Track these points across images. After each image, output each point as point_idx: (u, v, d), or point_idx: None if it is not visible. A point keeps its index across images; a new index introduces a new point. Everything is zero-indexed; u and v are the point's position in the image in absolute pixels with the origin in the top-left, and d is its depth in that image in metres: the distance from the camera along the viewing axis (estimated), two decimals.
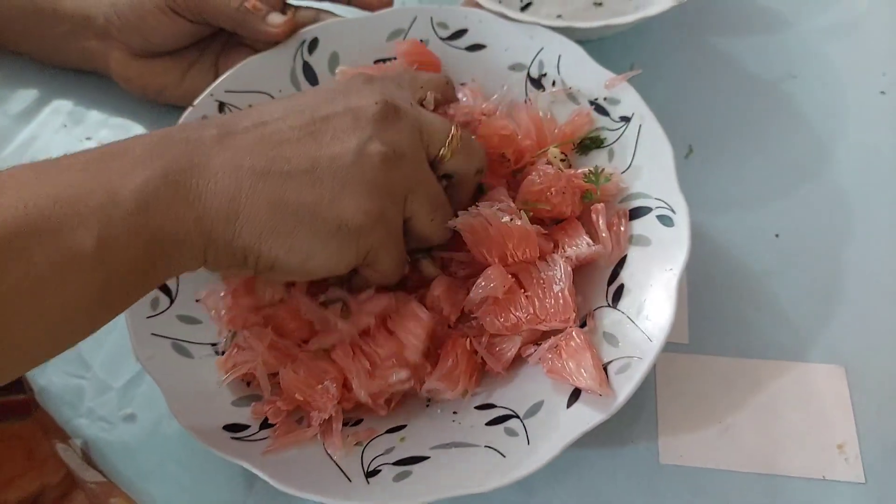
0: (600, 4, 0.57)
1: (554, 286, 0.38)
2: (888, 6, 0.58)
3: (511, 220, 0.39)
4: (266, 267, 0.35)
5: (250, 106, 0.42)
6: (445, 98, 0.44)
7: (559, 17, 0.56)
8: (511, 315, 0.39)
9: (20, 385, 0.44)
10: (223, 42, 0.53)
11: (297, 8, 0.52)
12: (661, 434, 0.41)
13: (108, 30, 0.51)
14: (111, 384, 0.44)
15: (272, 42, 0.49)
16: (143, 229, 0.31)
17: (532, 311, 0.38)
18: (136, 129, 0.55)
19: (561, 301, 0.38)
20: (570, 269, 0.39)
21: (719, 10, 0.53)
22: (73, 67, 0.56)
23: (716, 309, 0.45)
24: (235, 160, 0.33)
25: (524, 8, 0.57)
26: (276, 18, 0.48)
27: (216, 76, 0.51)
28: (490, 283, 0.38)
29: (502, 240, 0.39)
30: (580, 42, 0.47)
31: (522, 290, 0.39)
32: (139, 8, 0.49)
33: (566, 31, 0.48)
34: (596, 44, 0.49)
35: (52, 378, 0.44)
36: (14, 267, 0.27)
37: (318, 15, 0.52)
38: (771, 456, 0.41)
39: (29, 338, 0.29)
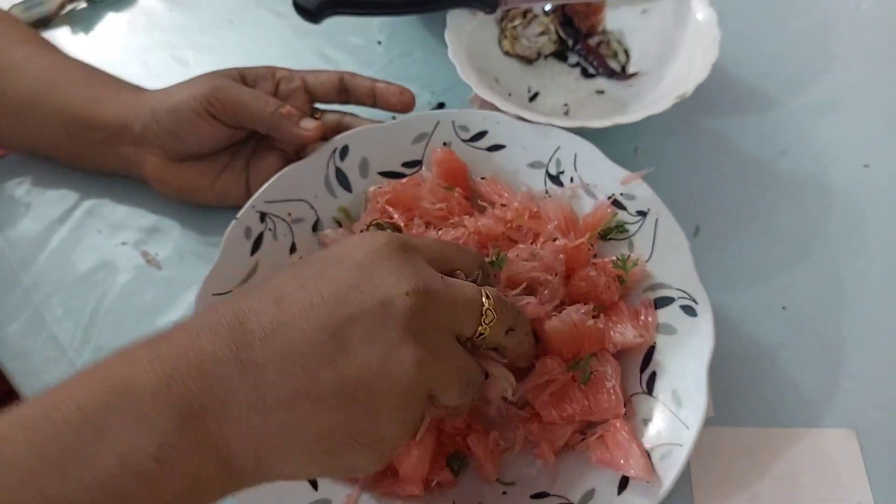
0: (602, 92, 0.61)
1: (606, 382, 0.42)
2: (868, 84, 0.63)
3: (594, 322, 0.43)
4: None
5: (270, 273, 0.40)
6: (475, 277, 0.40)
7: (565, 105, 0.60)
8: (567, 406, 0.42)
9: None
10: (253, 146, 0.56)
11: (324, 111, 0.56)
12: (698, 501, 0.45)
13: (145, 136, 0.53)
14: None
15: (303, 145, 0.52)
16: (162, 486, 0.28)
17: (586, 403, 0.42)
18: (169, 229, 0.57)
19: (613, 397, 0.42)
20: (617, 364, 0.42)
21: (710, 94, 0.57)
22: (106, 172, 0.58)
23: (734, 381, 0.49)
24: (259, 392, 0.30)
25: (532, 98, 0.61)
26: (308, 123, 0.52)
27: (247, 178, 0.54)
28: (550, 375, 0.42)
29: (580, 337, 0.42)
30: (588, 134, 0.51)
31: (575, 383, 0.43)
32: (178, 113, 0.51)
33: (578, 130, 0.52)
34: (602, 131, 0.53)
35: None
36: None
37: (342, 118, 0.56)
38: None
39: None
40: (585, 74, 0.62)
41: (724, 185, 0.58)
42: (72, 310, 0.54)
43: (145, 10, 0.71)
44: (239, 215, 0.49)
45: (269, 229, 0.50)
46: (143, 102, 0.53)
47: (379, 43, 0.67)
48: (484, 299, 0.36)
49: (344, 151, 0.52)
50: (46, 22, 0.69)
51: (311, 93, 0.55)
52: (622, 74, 0.62)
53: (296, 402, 0.30)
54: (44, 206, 0.59)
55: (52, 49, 0.59)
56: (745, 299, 0.52)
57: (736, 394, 0.48)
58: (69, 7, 0.70)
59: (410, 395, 0.32)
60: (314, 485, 0.41)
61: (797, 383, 0.49)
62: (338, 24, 0.68)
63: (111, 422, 0.28)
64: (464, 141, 0.53)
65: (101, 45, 0.68)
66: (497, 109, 0.53)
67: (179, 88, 0.53)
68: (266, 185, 0.50)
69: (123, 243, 0.57)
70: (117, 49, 0.68)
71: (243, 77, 0.54)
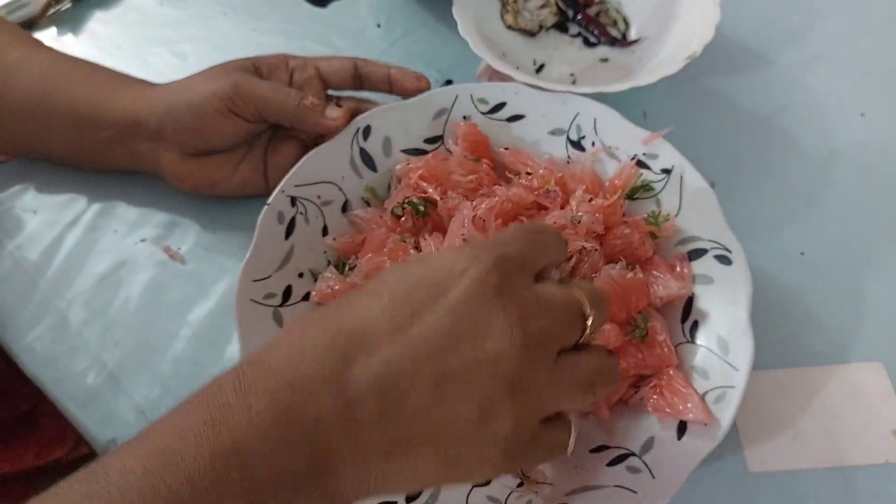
0: (606, 60, 0.63)
1: (657, 336, 0.43)
2: (854, 37, 0.66)
3: (633, 274, 0.44)
4: None
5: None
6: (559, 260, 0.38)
7: (571, 74, 0.62)
8: (622, 362, 0.43)
9: None
10: (270, 135, 0.55)
11: (339, 98, 0.56)
12: (745, 446, 0.46)
13: (161, 132, 0.52)
14: None
15: (327, 133, 0.52)
16: None
17: (641, 356, 0.43)
18: (188, 224, 0.57)
19: (666, 349, 0.43)
20: (663, 317, 0.44)
21: (709, 55, 0.59)
22: (117, 169, 0.57)
23: (763, 326, 0.50)
24: (360, 448, 0.30)
25: (538, 70, 0.62)
26: (334, 112, 0.52)
27: (265, 167, 0.54)
28: (609, 343, 0.43)
29: (626, 294, 0.43)
30: (598, 99, 0.52)
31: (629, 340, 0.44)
32: (198, 111, 0.50)
33: (595, 96, 0.53)
34: (610, 97, 0.54)
35: None
36: None
37: (358, 104, 0.56)
38: (839, 451, 0.46)
39: None
40: (587, 44, 0.64)
41: (732, 142, 0.60)
42: (96, 312, 0.53)
43: (134, 6, 0.70)
44: (270, 200, 0.49)
45: (301, 213, 0.50)
46: (156, 98, 0.52)
47: (378, 26, 0.68)
48: (587, 310, 0.33)
49: (366, 132, 0.52)
50: (31, 25, 0.68)
51: (324, 80, 0.55)
52: (623, 41, 0.63)
53: (391, 455, 0.30)
54: (53, 210, 0.58)
55: (49, 49, 0.57)
56: (764, 248, 0.54)
57: (768, 338, 0.49)
58: (54, 8, 0.69)
59: (516, 438, 0.31)
60: None
61: (824, 324, 0.51)
62: (335, 10, 0.68)
63: (226, 489, 0.27)
64: (483, 114, 0.53)
65: (92, 45, 0.67)
66: (510, 80, 0.54)
67: (194, 83, 0.52)
68: (293, 169, 0.50)
69: (142, 240, 0.56)
70: (112, 47, 0.66)
71: (257, 68, 0.54)
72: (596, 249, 0.46)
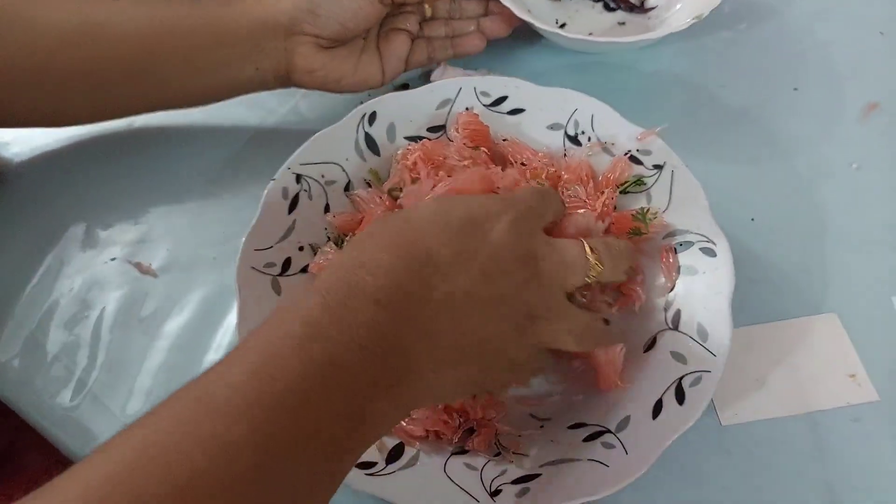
0: (623, 24, 0.68)
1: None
2: None
3: None
4: None
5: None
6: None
7: (590, 34, 0.67)
8: None
9: None
10: (378, 30, 0.59)
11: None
12: (717, 402, 0.48)
13: (296, 27, 0.54)
14: None
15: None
16: (359, 436, 0.33)
17: None
18: (158, 239, 0.58)
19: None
20: None
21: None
22: (225, 98, 0.57)
23: None
24: (431, 359, 0.35)
25: (560, 27, 0.67)
26: None
27: (381, 61, 0.59)
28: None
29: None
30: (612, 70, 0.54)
31: None
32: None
33: (607, 45, 0.63)
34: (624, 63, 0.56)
35: None
36: None
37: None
38: (804, 398, 0.49)
39: None
40: (608, 8, 0.69)
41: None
42: (70, 331, 0.54)
43: None
44: (276, 176, 0.51)
45: (305, 190, 0.52)
46: None
47: None
48: (589, 256, 0.41)
49: (372, 117, 0.55)
50: None
51: None
52: (640, 8, 0.69)
53: (460, 363, 0.36)
54: (21, 238, 0.59)
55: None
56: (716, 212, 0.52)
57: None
58: None
59: (527, 357, 0.39)
60: None
61: (779, 283, 0.53)
62: None
63: (322, 395, 0.31)
64: (485, 106, 0.55)
65: None
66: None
67: None
68: (300, 149, 0.52)
69: (112, 259, 0.57)
70: None
71: None
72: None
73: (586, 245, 0.41)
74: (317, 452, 0.31)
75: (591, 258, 0.40)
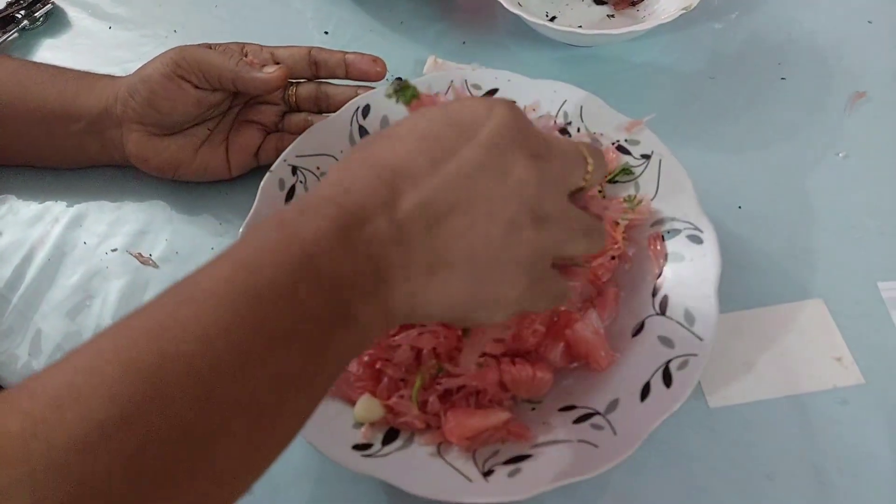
0: (612, 16, 0.69)
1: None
2: None
3: None
4: None
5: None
6: None
7: (580, 26, 0.68)
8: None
9: None
10: (231, 121, 0.59)
11: (299, 83, 0.59)
12: (705, 386, 0.49)
13: (125, 114, 0.55)
14: None
15: (265, 91, 0.55)
16: (341, 344, 0.32)
17: None
18: (158, 231, 0.59)
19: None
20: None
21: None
22: (86, 165, 0.60)
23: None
24: (410, 262, 0.34)
25: (550, 20, 0.68)
26: (269, 68, 0.55)
27: (227, 152, 0.58)
28: None
29: None
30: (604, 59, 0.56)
31: None
32: (149, 80, 0.54)
33: (596, 38, 0.64)
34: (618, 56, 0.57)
35: None
36: None
37: (318, 86, 0.59)
38: (791, 381, 0.49)
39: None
40: (597, 2, 0.71)
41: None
42: (72, 321, 0.55)
43: (83, 31, 0.73)
44: (273, 168, 0.52)
45: (301, 182, 0.53)
46: (119, 84, 0.56)
47: (326, 33, 0.71)
48: (587, 158, 0.39)
49: (366, 110, 0.56)
50: None
51: None
52: (630, 2, 0.70)
53: (434, 272, 0.34)
54: (20, 227, 0.60)
55: (12, 57, 0.61)
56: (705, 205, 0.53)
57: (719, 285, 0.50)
58: (1, 38, 0.70)
59: (532, 265, 0.36)
60: None
61: (766, 270, 0.54)
62: (282, 20, 0.73)
63: (302, 290, 0.30)
64: None
65: None
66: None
67: (150, 62, 0.55)
68: (296, 141, 0.54)
69: (113, 250, 0.58)
70: None
71: (211, 48, 0.56)
72: None
73: (583, 147, 0.40)
74: (302, 348, 0.30)
75: (588, 156, 0.39)
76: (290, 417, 0.31)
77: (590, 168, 0.39)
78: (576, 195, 0.41)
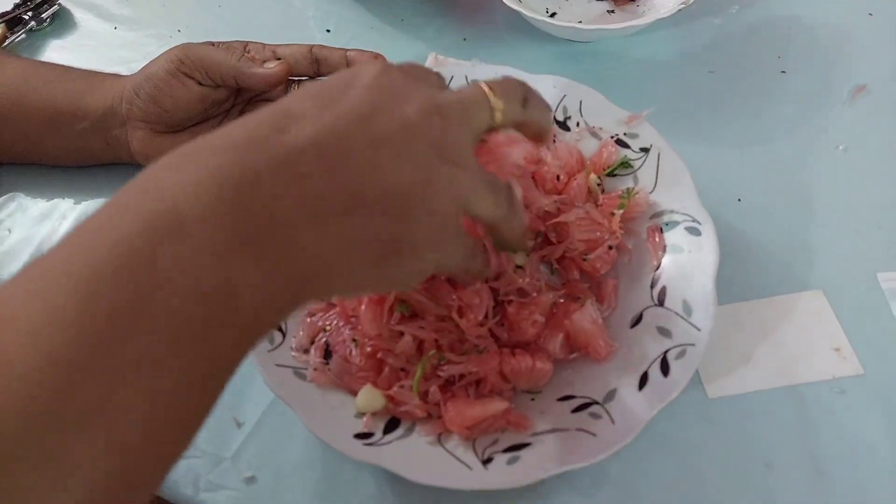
0: (612, 12, 0.70)
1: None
2: None
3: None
4: None
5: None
6: None
7: (580, 21, 0.68)
8: None
9: None
10: (233, 118, 0.59)
11: (301, 81, 0.60)
12: (703, 376, 0.49)
13: (130, 113, 0.56)
14: (223, 455, 0.48)
15: (267, 87, 0.56)
16: (232, 315, 0.29)
17: None
18: None
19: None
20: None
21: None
22: (92, 163, 0.60)
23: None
24: (309, 202, 0.30)
25: (550, 16, 0.69)
26: (270, 64, 0.56)
27: None
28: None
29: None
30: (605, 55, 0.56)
31: None
32: (153, 77, 0.55)
33: (596, 33, 0.65)
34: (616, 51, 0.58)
35: None
36: None
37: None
38: (790, 371, 0.50)
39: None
40: None
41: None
42: None
43: (89, 32, 0.73)
44: None
45: None
46: (125, 83, 0.57)
47: (327, 31, 0.72)
48: (486, 90, 0.36)
49: None
50: None
51: None
52: None
53: (348, 210, 0.31)
54: (28, 224, 0.60)
55: (21, 57, 0.62)
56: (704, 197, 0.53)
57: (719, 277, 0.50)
58: (9, 40, 0.70)
59: (445, 208, 0.34)
60: None
61: (766, 261, 0.55)
62: (284, 19, 0.73)
63: (163, 255, 0.27)
64: None
65: None
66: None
67: (154, 60, 0.56)
68: None
69: None
70: None
71: (214, 45, 0.57)
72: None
73: (483, 85, 0.36)
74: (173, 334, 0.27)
75: (491, 95, 0.36)
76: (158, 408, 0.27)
77: (498, 107, 0.36)
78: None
